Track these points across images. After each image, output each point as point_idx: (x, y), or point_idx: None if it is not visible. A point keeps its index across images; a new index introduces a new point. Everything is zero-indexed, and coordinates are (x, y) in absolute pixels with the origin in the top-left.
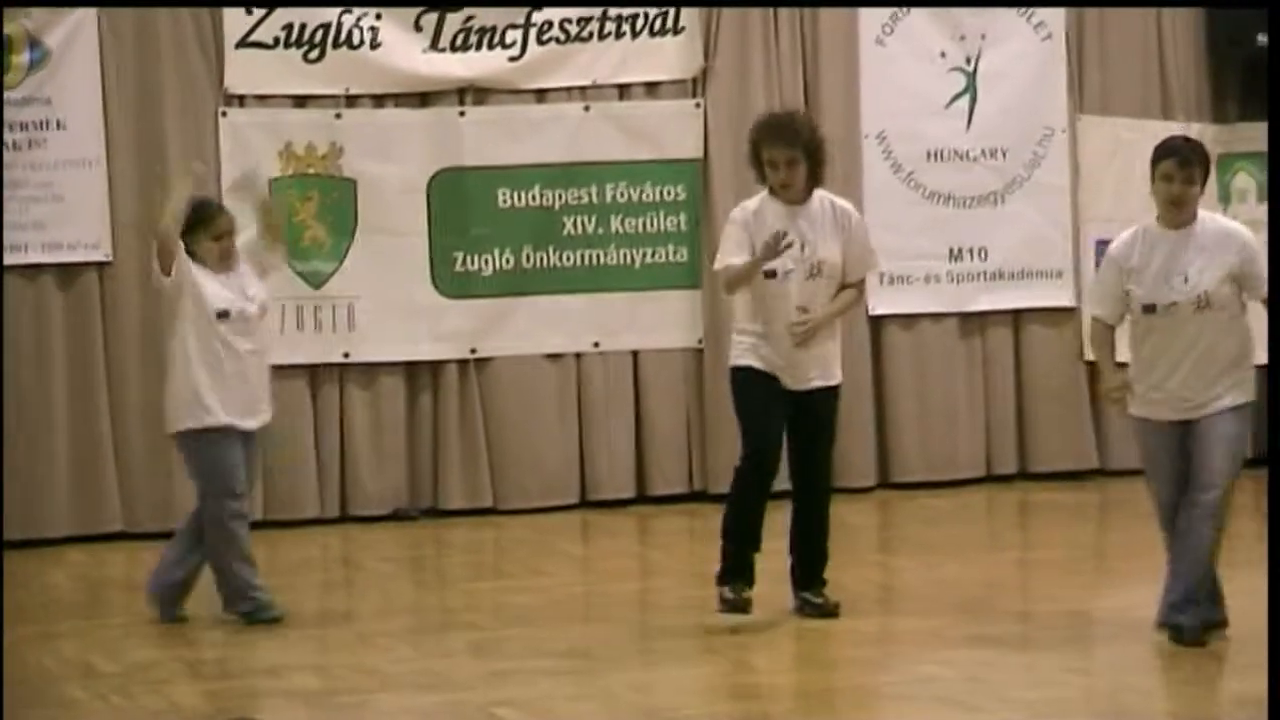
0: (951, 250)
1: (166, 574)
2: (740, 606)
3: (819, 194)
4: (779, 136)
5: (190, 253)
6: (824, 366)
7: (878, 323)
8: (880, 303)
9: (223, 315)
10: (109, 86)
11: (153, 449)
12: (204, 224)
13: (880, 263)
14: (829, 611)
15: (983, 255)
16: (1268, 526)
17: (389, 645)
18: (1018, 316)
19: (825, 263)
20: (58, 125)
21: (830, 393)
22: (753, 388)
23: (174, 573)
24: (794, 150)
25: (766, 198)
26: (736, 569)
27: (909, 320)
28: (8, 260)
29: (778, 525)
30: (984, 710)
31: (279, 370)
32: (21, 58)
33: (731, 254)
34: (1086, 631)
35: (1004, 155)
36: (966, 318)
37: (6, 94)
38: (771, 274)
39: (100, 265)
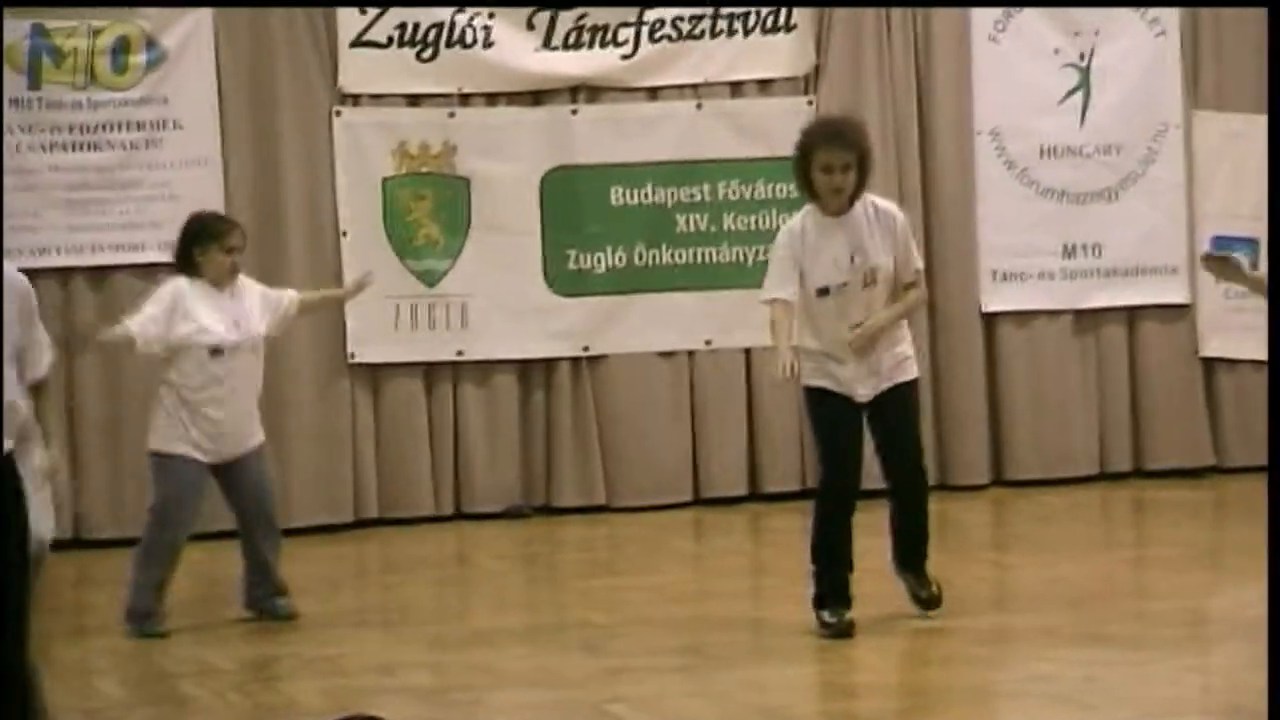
0: (1065, 247)
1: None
2: (843, 631)
3: (861, 199)
4: (838, 140)
5: (194, 265)
6: (895, 370)
7: (991, 320)
8: (994, 300)
9: (216, 352)
10: (224, 86)
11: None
12: (217, 237)
13: (919, 260)
14: (932, 603)
15: (1097, 252)
16: (1268, 526)
17: (503, 642)
18: (1132, 313)
19: (879, 269)
20: (174, 125)
21: (906, 387)
22: (825, 411)
23: (249, 577)
24: (851, 155)
25: (809, 211)
26: (832, 592)
27: (1023, 317)
28: (125, 259)
29: (880, 523)
30: (1098, 709)
31: (393, 368)
32: (138, 58)
33: (777, 287)
34: (1202, 630)
35: (1118, 151)
36: (1081, 315)
37: (124, 94)
38: (824, 291)
39: None
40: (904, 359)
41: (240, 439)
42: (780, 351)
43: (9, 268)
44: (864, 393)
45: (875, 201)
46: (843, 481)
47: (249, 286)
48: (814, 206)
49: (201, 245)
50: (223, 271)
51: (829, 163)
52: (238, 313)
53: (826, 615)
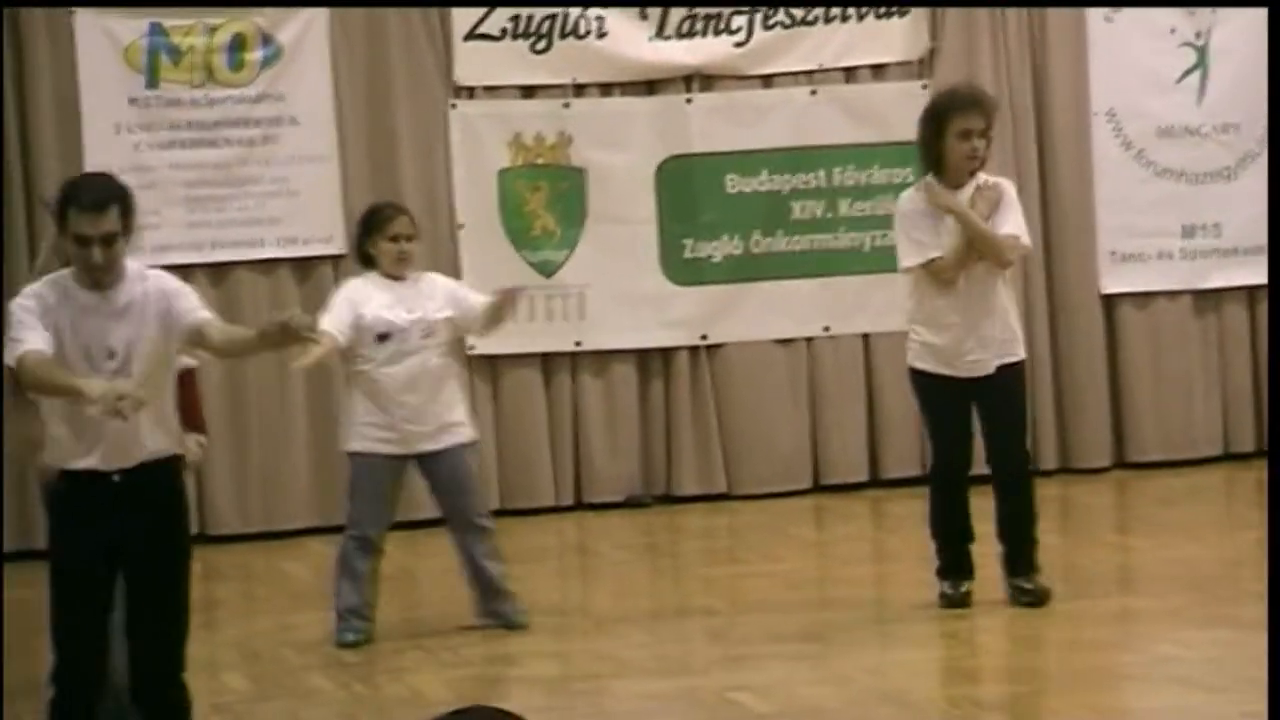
0: (1184, 227)
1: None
2: (958, 601)
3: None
4: (977, 105)
5: (367, 257)
6: (1003, 347)
7: (1111, 301)
8: (1113, 281)
9: (383, 338)
10: (340, 81)
11: None
12: (380, 226)
13: (1026, 244)
14: (1040, 598)
15: (1216, 231)
16: (1268, 525)
17: (625, 631)
18: (1253, 292)
19: None
20: (291, 121)
21: (1013, 370)
22: (932, 392)
23: (471, 582)
24: (986, 122)
25: (931, 182)
26: (953, 565)
27: (1142, 298)
28: (245, 255)
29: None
30: (1224, 691)
31: (512, 359)
32: (254, 55)
33: (916, 253)
34: None
35: (1236, 130)
36: (1201, 295)
37: (241, 90)
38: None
39: (335, 258)
40: (1012, 339)
41: (431, 431)
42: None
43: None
44: (971, 372)
45: (985, 178)
46: (951, 460)
47: (436, 280)
48: (933, 178)
49: (370, 237)
50: (392, 260)
51: (968, 128)
52: (413, 300)
53: (946, 587)
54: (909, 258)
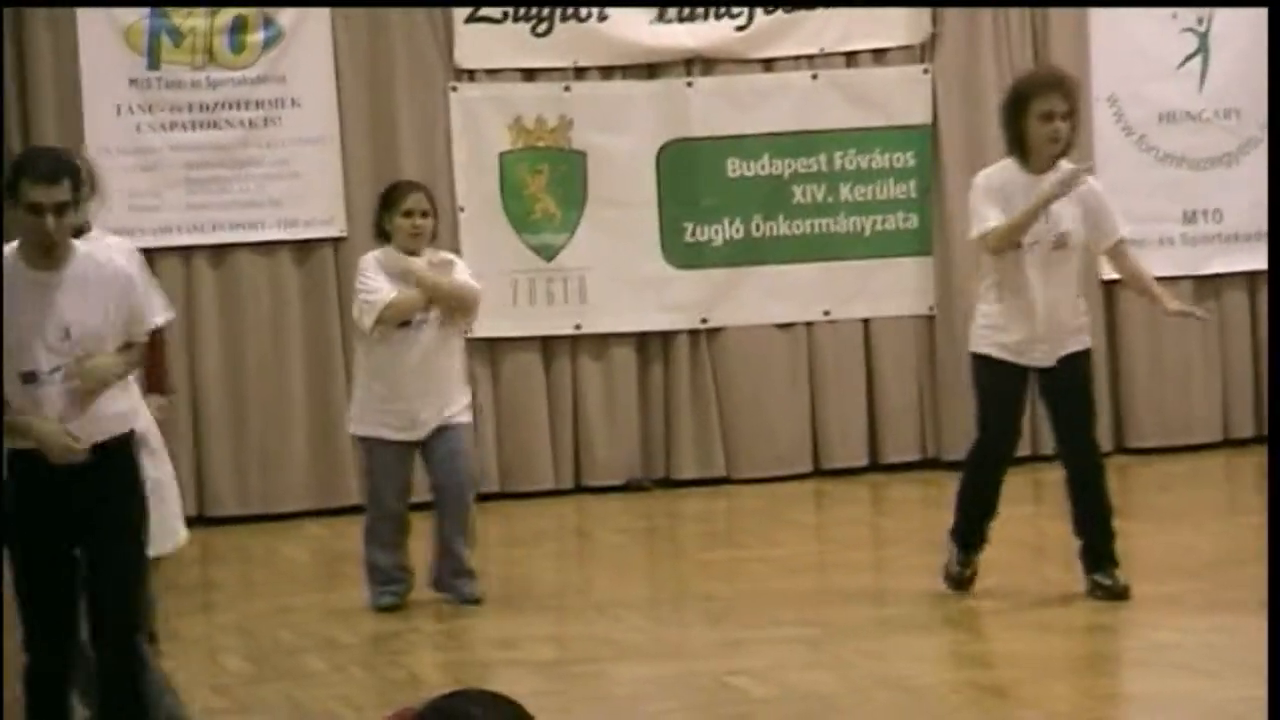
0: (1185, 213)
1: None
2: (960, 582)
3: (1061, 163)
4: (1057, 87)
5: (385, 233)
6: (1075, 334)
7: (1111, 287)
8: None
9: (404, 324)
10: (341, 64)
11: None
12: (395, 203)
13: (1122, 228)
14: (1118, 593)
15: (1217, 217)
16: (1268, 524)
17: (623, 615)
18: (1253, 278)
19: (1070, 234)
20: (292, 103)
21: (1081, 357)
22: (993, 376)
23: (435, 557)
24: (1068, 104)
25: (1010, 165)
26: (968, 531)
27: None
28: (245, 237)
29: (1015, 490)
30: (1222, 676)
31: (512, 343)
32: (255, 37)
33: (990, 217)
34: None
35: (1238, 116)
36: (1201, 280)
37: (242, 72)
38: (1017, 245)
39: (335, 241)
40: (1081, 328)
41: (436, 414)
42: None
43: (114, 238)
44: (1039, 360)
45: (1066, 165)
46: (997, 450)
47: (454, 263)
48: (1014, 161)
49: (387, 213)
50: (406, 235)
51: (1050, 110)
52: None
53: (953, 561)
54: (973, 229)
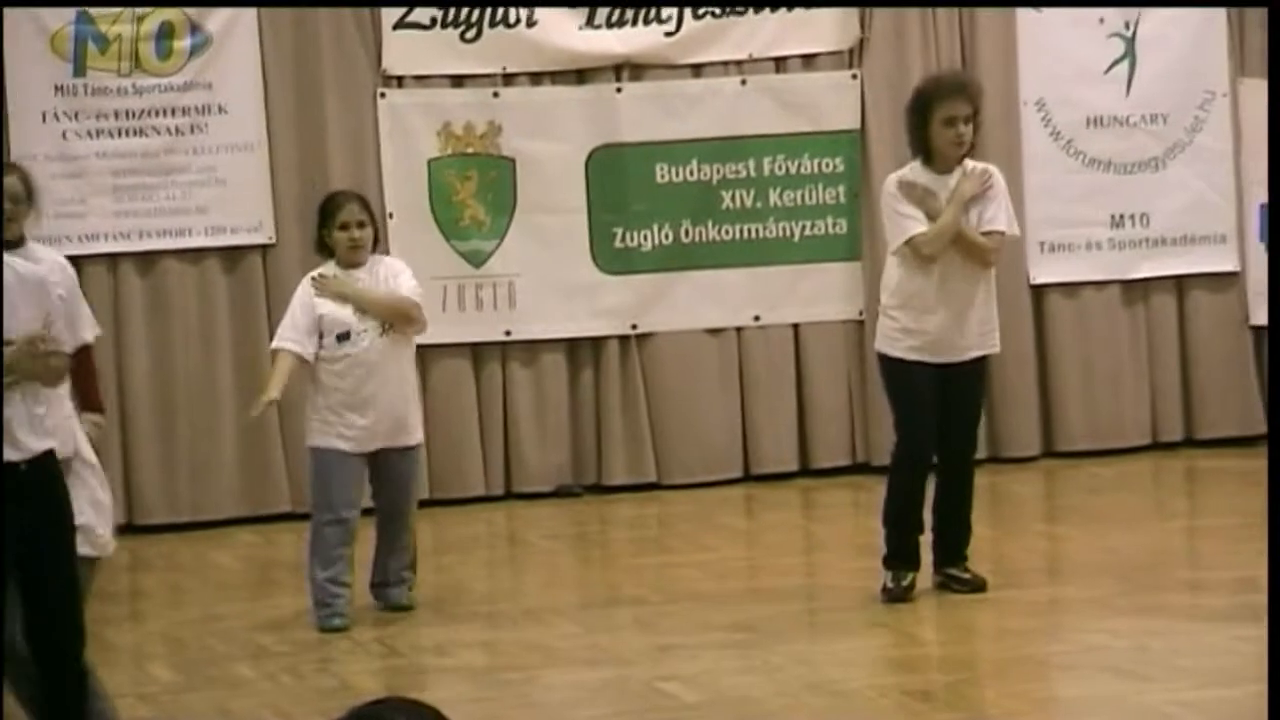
0: (1113, 217)
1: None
2: (900, 596)
3: (966, 162)
4: (961, 91)
5: (326, 247)
6: (982, 335)
7: (1039, 291)
8: (1042, 271)
9: (343, 338)
10: (269, 70)
11: None
12: (330, 214)
13: (1013, 233)
14: (977, 586)
15: (1144, 221)
16: (1268, 522)
17: (555, 621)
18: (1181, 282)
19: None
20: (219, 110)
21: (984, 363)
22: (905, 377)
23: (373, 566)
24: (971, 108)
25: (918, 168)
26: (901, 553)
27: (1071, 288)
28: (173, 245)
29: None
30: (1152, 679)
31: (441, 349)
32: (182, 43)
33: (912, 225)
34: (1255, 599)
35: (1164, 120)
36: (1129, 285)
37: (168, 79)
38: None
39: (264, 248)
40: (991, 330)
41: (390, 430)
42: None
43: (48, 250)
44: (944, 358)
45: (975, 165)
46: (918, 448)
47: (397, 270)
48: (919, 164)
49: (326, 226)
50: (345, 248)
51: (953, 114)
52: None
53: (889, 580)
54: (895, 236)
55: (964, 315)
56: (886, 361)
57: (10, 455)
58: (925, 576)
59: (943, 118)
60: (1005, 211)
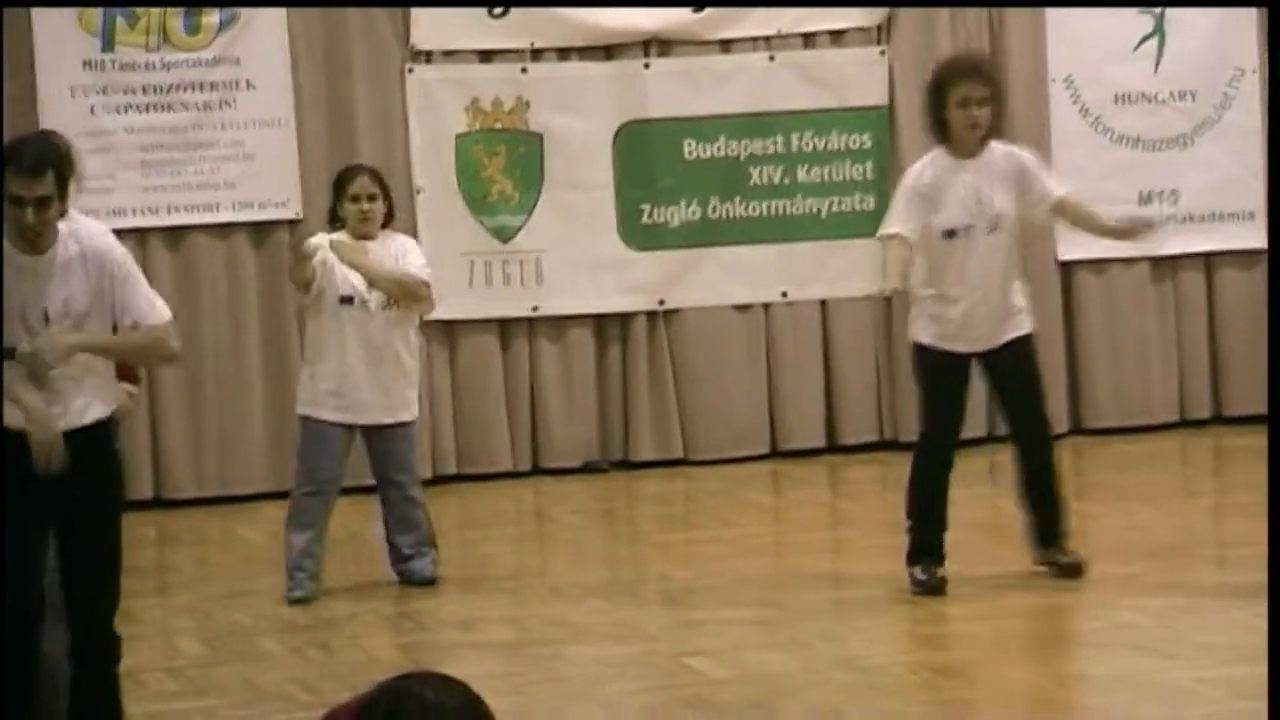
0: (1141, 194)
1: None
2: (935, 588)
3: (991, 144)
4: (976, 74)
5: (339, 218)
6: (1011, 319)
7: (1068, 268)
8: (1070, 248)
9: (346, 300)
10: (297, 45)
11: None
12: (342, 186)
13: (1055, 189)
14: (1074, 570)
15: (1173, 198)
16: (1268, 521)
17: (581, 597)
18: (1209, 259)
19: (1003, 216)
20: (247, 85)
21: (1022, 342)
22: (933, 365)
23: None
24: (988, 89)
25: (938, 154)
26: (925, 549)
27: (1099, 265)
28: (201, 219)
29: (969, 471)
30: (1178, 657)
31: (469, 325)
32: (211, 18)
33: (899, 222)
34: None
35: (1193, 97)
36: (1157, 262)
37: (197, 54)
38: (951, 233)
39: (291, 223)
40: (1018, 312)
41: (381, 406)
42: (889, 277)
43: (96, 225)
44: (978, 346)
45: (1000, 147)
46: (941, 442)
47: (408, 248)
48: (942, 149)
49: (338, 198)
50: (355, 220)
51: (967, 96)
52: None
53: (919, 572)
54: (885, 224)
55: (988, 302)
56: (916, 347)
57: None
58: (959, 555)
59: (958, 100)
60: (1049, 178)
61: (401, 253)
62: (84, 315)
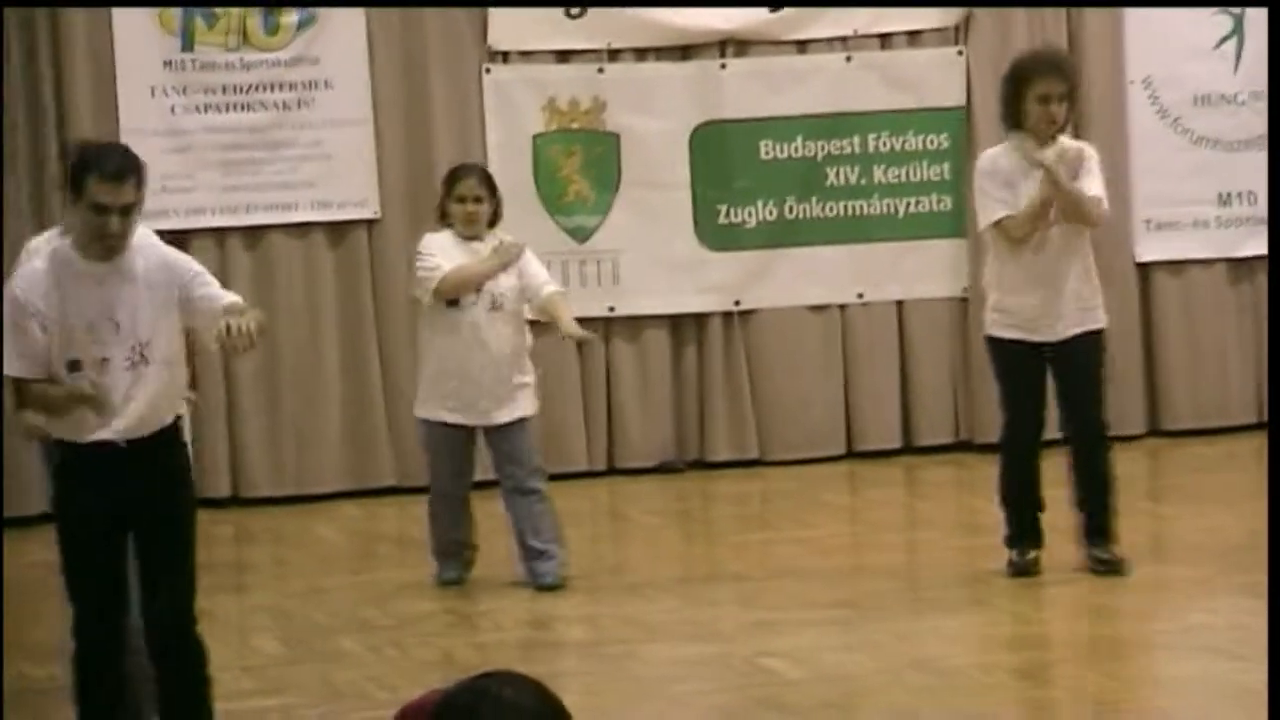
0: (1220, 195)
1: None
2: (1025, 569)
3: (1061, 139)
4: (1055, 69)
5: (445, 216)
6: (1083, 311)
7: (1146, 269)
8: (1148, 249)
9: (453, 304)
10: (375, 45)
11: None
12: (451, 185)
13: (1105, 209)
14: (1115, 568)
15: (1252, 199)
16: (1268, 519)
17: (656, 596)
18: None
19: None
20: (325, 85)
21: (1092, 338)
22: (1007, 359)
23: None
24: (1066, 85)
25: (1008, 147)
26: (1020, 532)
27: (1177, 266)
28: (279, 219)
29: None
30: (1250, 659)
31: (546, 324)
32: (289, 18)
33: (999, 208)
34: None
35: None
36: (1236, 263)
37: (276, 54)
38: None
39: (369, 223)
40: (1093, 306)
41: (497, 403)
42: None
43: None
44: (1049, 336)
45: (1067, 141)
46: (1023, 428)
47: (528, 256)
48: (1013, 142)
49: (446, 195)
50: (461, 220)
51: (1047, 92)
52: None
53: (1014, 555)
54: (984, 217)
55: (1059, 293)
56: (989, 341)
57: (136, 433)
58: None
59: (1037, 95)
60: (1099, 183)
61: (522, 259)
62: (150, 324)
